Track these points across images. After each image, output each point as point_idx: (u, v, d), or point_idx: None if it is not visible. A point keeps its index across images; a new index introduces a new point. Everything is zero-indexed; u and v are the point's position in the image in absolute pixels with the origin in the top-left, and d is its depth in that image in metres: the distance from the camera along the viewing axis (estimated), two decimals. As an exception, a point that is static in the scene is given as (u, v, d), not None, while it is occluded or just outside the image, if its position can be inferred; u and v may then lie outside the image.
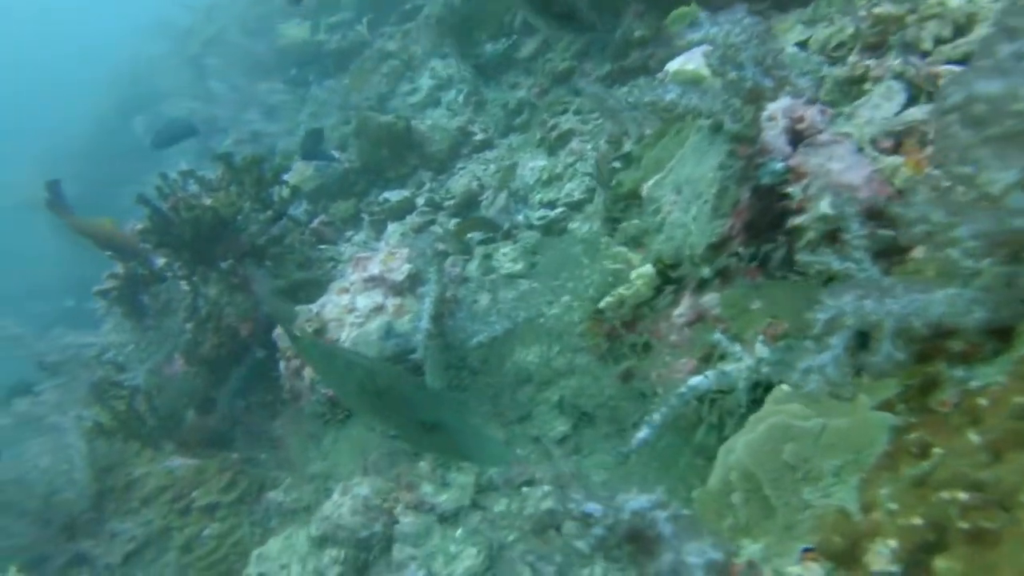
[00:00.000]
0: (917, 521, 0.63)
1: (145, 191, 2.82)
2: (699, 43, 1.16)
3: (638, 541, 0.74)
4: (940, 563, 0.60)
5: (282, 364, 2.71)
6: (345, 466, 2.48)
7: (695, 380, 1.34)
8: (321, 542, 2.18)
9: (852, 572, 0.66)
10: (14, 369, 3.47)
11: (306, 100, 5.89)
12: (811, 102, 1.28)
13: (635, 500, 0.69)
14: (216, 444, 3.09)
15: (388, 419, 1.46)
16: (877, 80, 1.73)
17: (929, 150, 1.38)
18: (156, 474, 2.83)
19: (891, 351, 0.69)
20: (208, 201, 2.73)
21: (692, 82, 1.82)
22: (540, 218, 3.00)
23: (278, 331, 2.68)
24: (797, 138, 1.51)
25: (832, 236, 1.38)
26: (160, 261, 2.93)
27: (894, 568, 0.63)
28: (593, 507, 0.71)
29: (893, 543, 0.63)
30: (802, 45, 2.11)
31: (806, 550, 0.77)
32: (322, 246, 3.58)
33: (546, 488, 2.06)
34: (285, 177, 3.11)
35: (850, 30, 2.03)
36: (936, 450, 0.66)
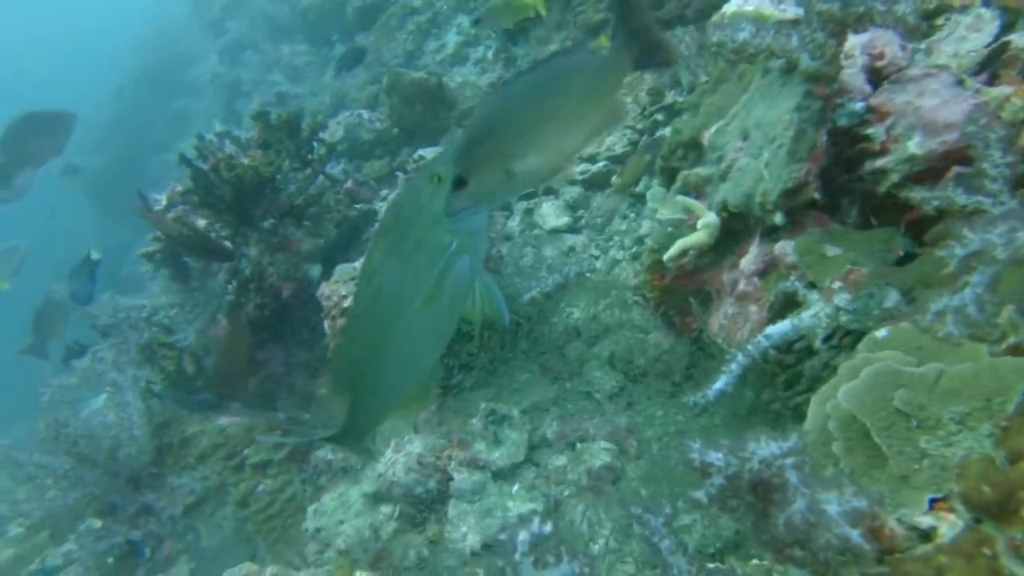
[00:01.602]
0: (1081, 468, 0.59)
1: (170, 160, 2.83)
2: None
3: (759, 490, 0.71)
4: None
5: (326, 323, 2.71)
6: (393, 425, 2.50)
7: (772, 329, 1.30)
8: (376, 499, 2.21)
9: (1007, 525, 0.63)
10: (69, 331, 3.56)
11: (330, 61, 5.81)
12: (908, 33, 1.19)
13: (764, 448, 0.66)
14: (260, 404, 3.15)
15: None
16: (959, 9, 1.62)
17: (1029, 82, 1.29)
18: (209, 432, 2.89)
19: (1048, 288, 0.65)
20: (247, 160, 2.71)
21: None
22: (582, 172, 2.93)
23: (321, 291, 2.67)
24: (877, 76, 1.43)
25: (918, 178, 1.31)
26: (201, 222, 2.93)
27: (1056, 521, 0.60)
28: (715, 456, 0.69)
29: (1054, 493, 0.60)
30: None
31: (935, 500, 0.74)
32: (357, 206, 3.55)
33: (601, 444, 2.06)
34: (322, 135, 3.07)
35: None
36: (1101, 393, 0.62)
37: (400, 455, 2.17)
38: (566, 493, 1.95)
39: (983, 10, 1.41)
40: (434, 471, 2.12)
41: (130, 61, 8.60)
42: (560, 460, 2.05)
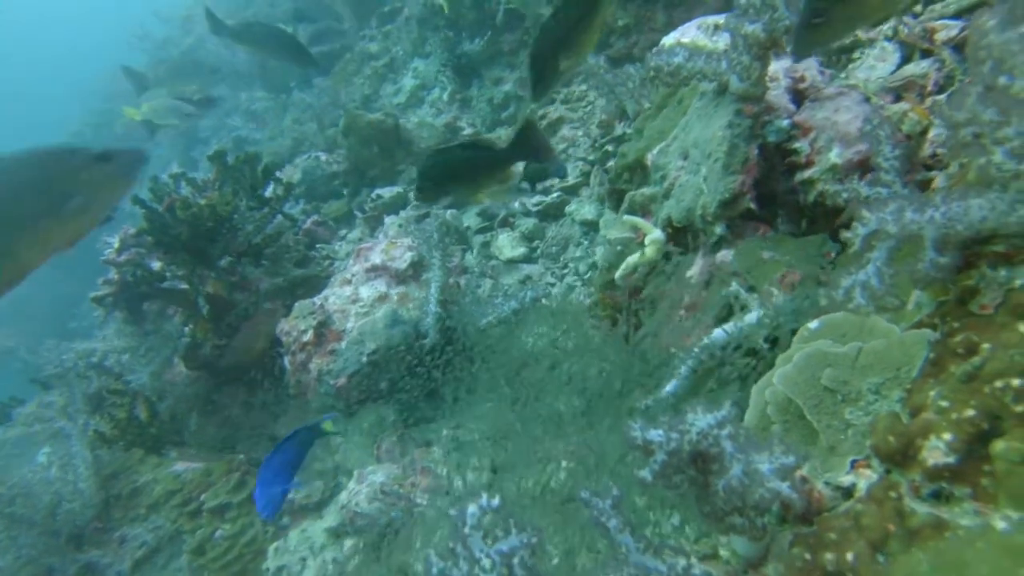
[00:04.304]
0: (970, 413, 0.65)
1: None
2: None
3: (699, 463, 0.75)
4: (998, 444, 0.62)
5: (286, 360, 2.69)
6: (357, 458, 2.47)
7: (717, 332, 1.36)
8: (339, 531, 2.17)
9: (908, 470, 0.68)
10: (8, 384, 3.42)
11: (288, 106, 5.88)
12: (821, 52, 1.31)
13: (702, 419, 0.70)
14: (219, 447, 3.07)
15: None
16: (868, 44, 1.78)
17: (930, 102, 1.42)
18: (162, 479, 2.80)
19: (935, 257, 0.72)
20: (204, 200, 2.71)
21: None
22: (536, 204, 3.02)
23: (281, 327, 2.66)
24: (799, 97, 1.55)
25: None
26: (156, 264, 2.90)
27: (950, 459, 0.65)
28: (655, 433, 0.72)
29: (948, 436, 0.66)
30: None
31: (855, 461, 0.79)
32: (317, 245, 3.57)
33: (562, 463, 2.07)
34: (279, 175, 3.10)
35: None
36: (984, 346, 0.69)
37: (363, 485, 2.15)
38: (531, 512, 1.95)
39: (886, 44, 1.56)
40: (398, 500, 2.10)
41: (80, 107, 8.51)
42: (523, 482, 2.05)
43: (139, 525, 2.78)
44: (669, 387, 1.33)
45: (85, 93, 8.80)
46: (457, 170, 1.60)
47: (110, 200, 1.00)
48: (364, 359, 2.37)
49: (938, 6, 1.70)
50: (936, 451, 0.66)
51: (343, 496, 2.17)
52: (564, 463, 2.05)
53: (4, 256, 0.95)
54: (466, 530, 0.66)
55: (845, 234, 0.77)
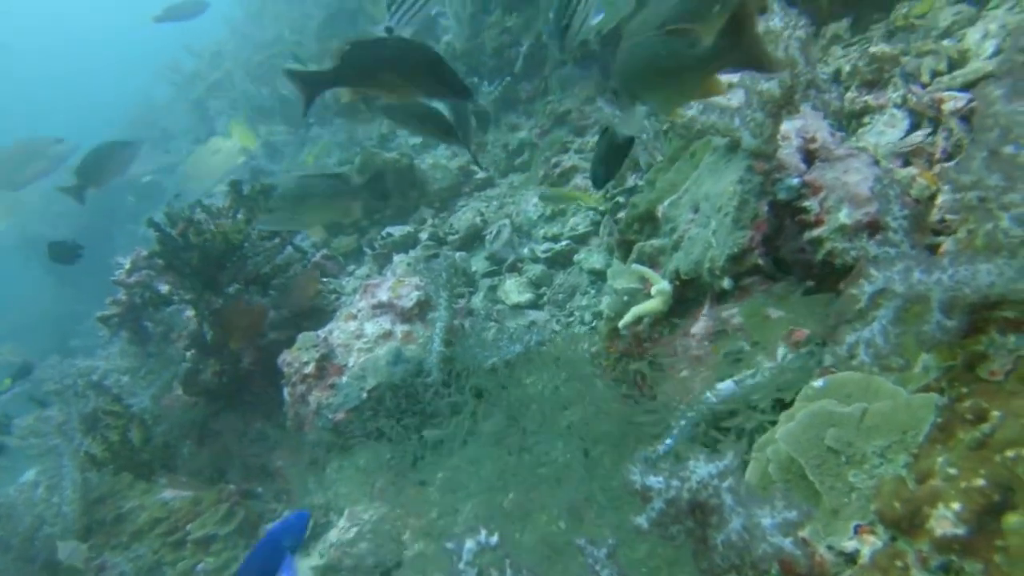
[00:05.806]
0: (980, 483, 0.63)
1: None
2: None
3: (697, 514, 0.74)
4: (1012, 518, 0.60)
5: (286, 391, 2.67)
6: (350, 495, 2.42)
7: (720, 386, 1.35)
8: (326, 570, 2.12)
9: (915, 539, 0.66)
10: (11, 399, 3.40)
11: (306, 141, 6.01)
12: (834, 114, 1.33)
13: (703, 467, 0.69)
14: (211, 476, 3.03)
15: None
16: (878, 110, 1.81)
17: (937, 168, 1.44)
18: (149, 507, 2.75)
19: (941, 319, 0.71)
20: (215, 227, 2.75)
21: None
22: (545, 251, 3.04)
23: (283, 357, 2.65)
24: (810, 157, 1.58)
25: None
26: (164, 287, 2.92)
27: (960, 530, 0.63)
28: (655, 480, 0.71)
29: (956, 506, 0.64)
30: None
31: (859, 526, 0.77)
32: (324, 279, 3.59)
33: (554, 512, 2.02)
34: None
35: (847, 68, 2.14)
36: (994, 413, 0.67)
37: (353, 524, 2.10)
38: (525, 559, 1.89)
39: (895, 111, 1.59)
40: (388, 540, 2.05)
41: (111, 136, 8.73)
42: (517, 530, 2.01)
43: (119, 554, 2.71)
44: (669, 440, 1.31)
45: (118, 123, 9.02)
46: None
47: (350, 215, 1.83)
48: (364, 395, 2.36)
49: (945, 78, 1.74)
50: (944, 520, 0.64)
51: (332, 534, 2.12)
52: (559, 512, 2.01)
53: (296, 221, 1.89)
54: (460, 566, 0.64)
55: (851, 291, 0.77)
